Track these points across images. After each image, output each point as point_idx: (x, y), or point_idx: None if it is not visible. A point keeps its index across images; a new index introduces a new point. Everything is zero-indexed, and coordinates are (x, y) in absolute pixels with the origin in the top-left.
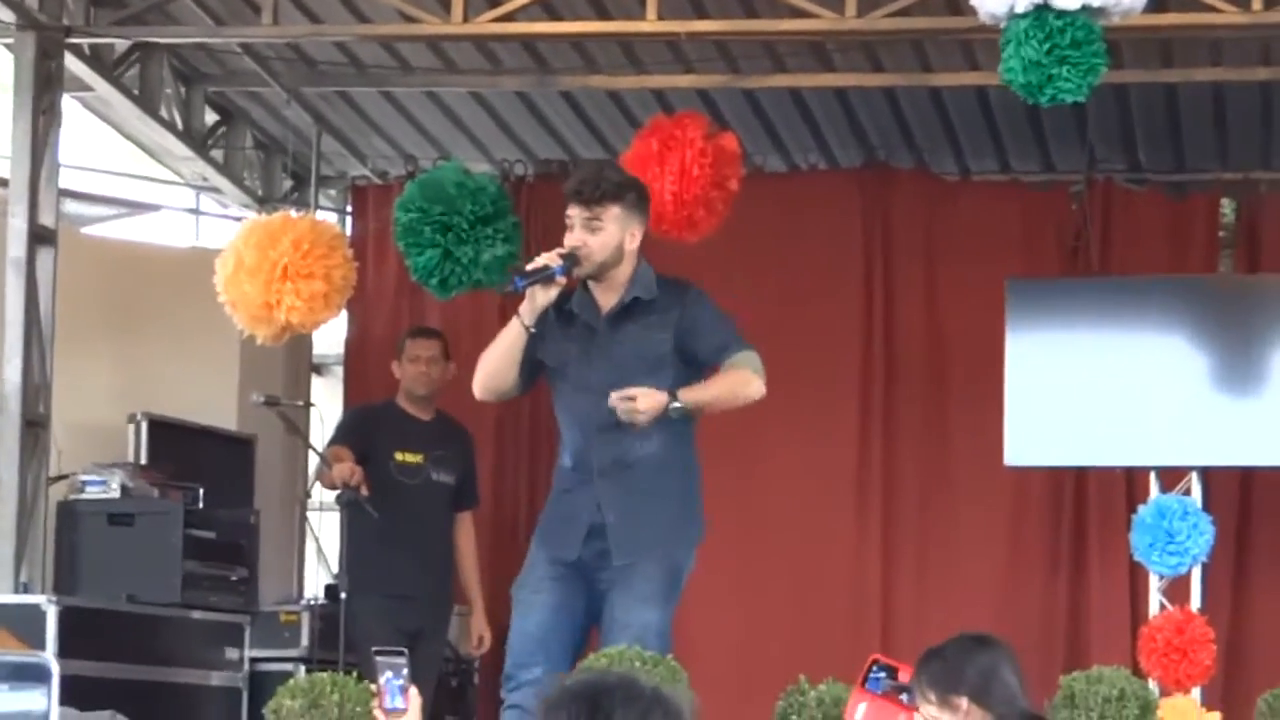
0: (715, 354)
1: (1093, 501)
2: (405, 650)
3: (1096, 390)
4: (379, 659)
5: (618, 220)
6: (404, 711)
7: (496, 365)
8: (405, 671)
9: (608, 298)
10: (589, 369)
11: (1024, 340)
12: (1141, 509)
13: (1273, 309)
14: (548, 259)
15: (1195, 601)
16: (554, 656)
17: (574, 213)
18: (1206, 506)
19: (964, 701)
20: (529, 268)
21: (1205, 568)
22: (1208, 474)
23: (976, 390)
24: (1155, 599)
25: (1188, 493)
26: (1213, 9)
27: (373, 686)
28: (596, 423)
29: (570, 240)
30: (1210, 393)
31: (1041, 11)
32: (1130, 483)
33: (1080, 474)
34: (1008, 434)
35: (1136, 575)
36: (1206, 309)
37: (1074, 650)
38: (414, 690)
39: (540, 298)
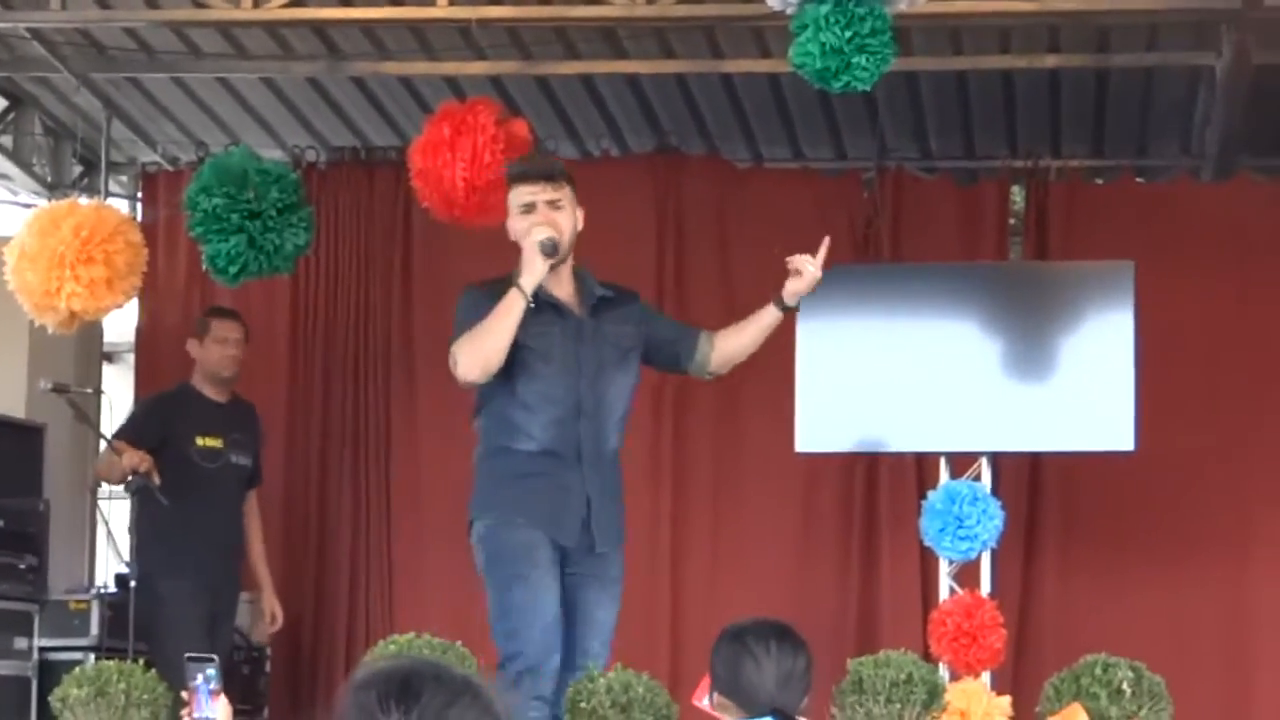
0: (685, 329)
1: (884, 487)
2: (215, 657)
3: (887, 377)
4: (190, 664)
5: (571, 203)
6: None
7: (499, 342)
8: (216, 677)
9: (560, 288)
10: (579, 355)
11: (815, 327)
12: (931, 494)
13: (1062, 296)
14: (546, 231)
15: (985, 586)
16: (562, 646)
17: (534, 192)
18: (996, 492)
19: (717, 695)
20: (544, 238)
21: (995, 553)
22: (997, 459)
23: (768, 377)
24: (945, 584)
25: (978, 478)
26: None
27: (184, 694)
28: (584, 408)
29: (535, 220)
30: (1000, 379)
31: None
32: (921, 469)
33: (871, 460)
34: (799, 421)
35: (927, 560)
36: (996, 296)
37: (865, 635)
38: (224, 698)
39: (541, 271)
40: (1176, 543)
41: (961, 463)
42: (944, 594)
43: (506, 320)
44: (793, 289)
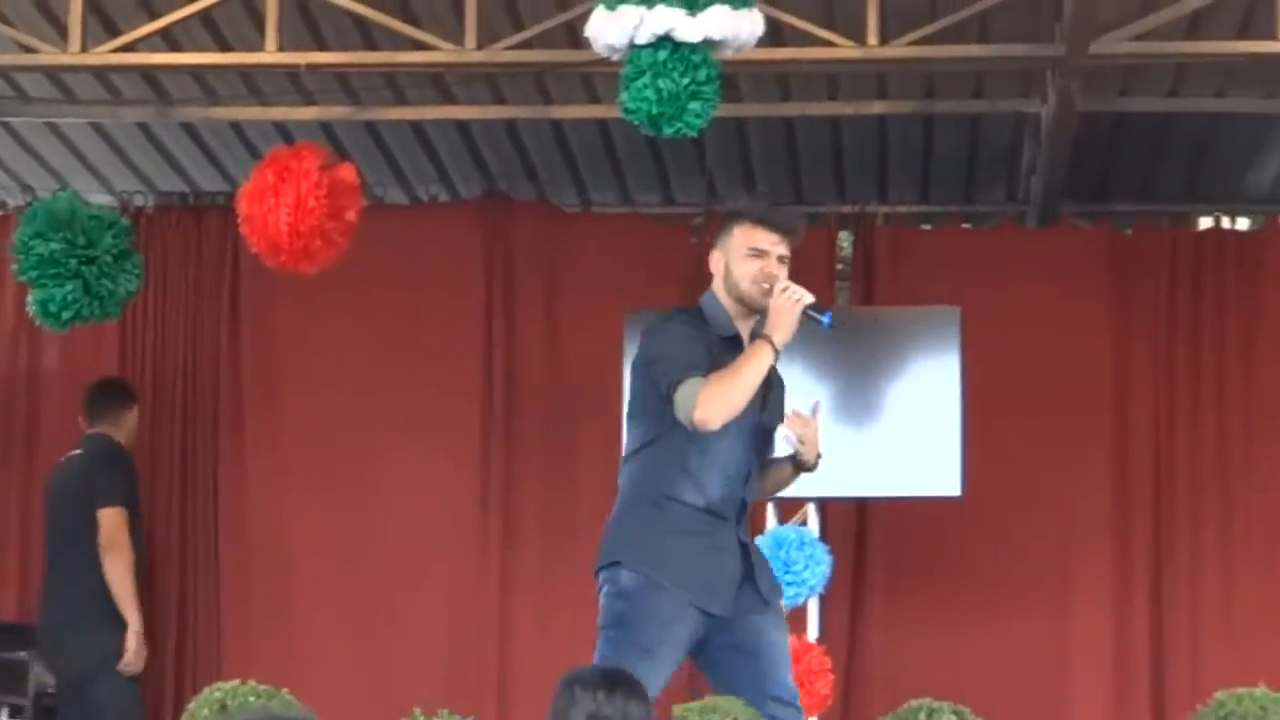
0: None
1: None
2: None
3: None
4: None
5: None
6: None
7: (748, 395)
8: None
9: (746, 340)
10: (763, 409)
11: None
12: (758, 539)
13: (889, 341)
14: (813, 300)
15: (813, 632)
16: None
17: (773, 242)
18: (824, 537)
19: None
20: (810, 303)
21: (823, 598)
22: (825, 505)
23: (598, 423)
24: None
25: (805, 523)
26: (829, 43)
27: None
28: (756, 463)
29: (770, 268)
30: (827, 424)
31: (668, 44)
32: None
33: None
34: None
35: None
36: (824, 341)
37: (695, 681)
38: None
39: (792, 334)
40: (1001, 587)
41: (789, 508)
42: None
43: (757, 375)
44: (805, 456)
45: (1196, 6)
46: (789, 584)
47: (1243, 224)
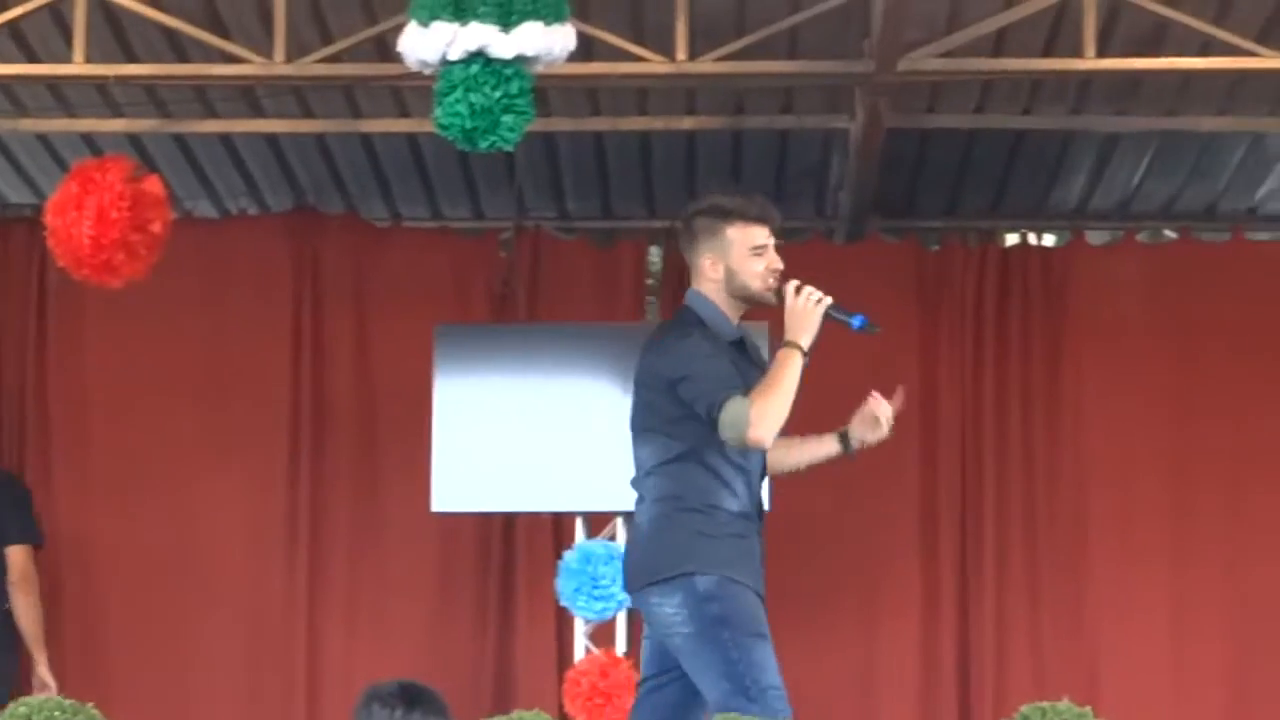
0: None
1: (521, 547)
2: None
3: (524, 436)
4: None
5: None
6: None
7: (790, 404)
8: None
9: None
10: None
11: (452, 387)
12: (567, 554)
13: None
14: (832, 300)
15: (620, 646)
16: None
17: (769, 238)
18: None
19: None
20: (831, 303)
21: (630, 612)
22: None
23: (406, 437)
24: (581, 644)
25: (614, 538)
26: (639, 58)
27: None
28: (761, 468)
29: (776, 264)
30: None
31: (482, 59)
32: (558, 528)
33: (508, 520)
34: (435, 480)
35: (564, 620)
36: (633, 356)
37: (502, 696)
38: None
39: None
40: (807, 602)
41: (598, 522)
42: (579, 654)
43: (794, 384)
44: (861, 436)
45: (1002, 24)
46: (597, 599)
47: (1049, 240)
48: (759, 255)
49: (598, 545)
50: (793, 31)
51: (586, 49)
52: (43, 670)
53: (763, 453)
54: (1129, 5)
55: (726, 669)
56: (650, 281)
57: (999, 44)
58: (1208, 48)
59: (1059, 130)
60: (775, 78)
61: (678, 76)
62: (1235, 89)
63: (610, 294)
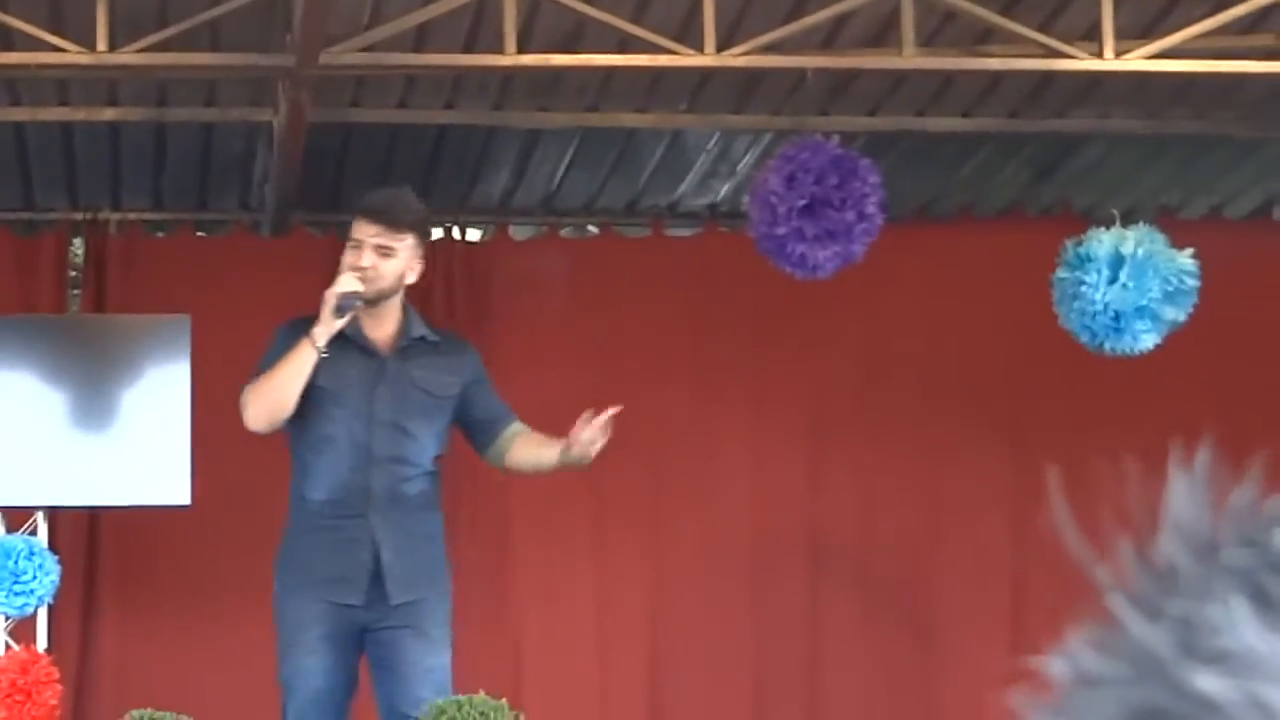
0: (500, 415)
1: None
2: None
3: None
4: None
5: (410, 251)
6: None
7: (288, 394)
8: None
9: (378, 327)
10: (373, 397)
11: None
12: None
13: (120, 349)
14: (352, 283)
15: (42, 642)
16: (385, 702)
17: (367, 233)
18: (53, 546)
19: None
20: (344, 290)
21: (52, 608)
22: (55, 513)
23: None
24: (0, 640)
25: (34, 532)
26: (58, 49)
27: None
28: (377, 454)
29: (357, 261)
30: (59, 432)
31: None
32: None
33: None
34: None
35: None
36: (56, 348)
37: None
38: None
39: (333, 325)
40: (235, 594)
41: (18, 517)
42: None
43: (290, 371)
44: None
45: (422, 20)
46: (17, 594)
47: (473, 235)
48: (353, 249)
49: (18, 540)
50: (215, 24)
51: (6, 39)
52: None
53: (370, 431)
54: (549, 2)
55: None
56: (73, 274)
57: (421, 39)
58: (626, 45)
59: (482, 126)
60: (196, 70)
61: (98, 68)
62: (654, 86)
63: (31, 285)
